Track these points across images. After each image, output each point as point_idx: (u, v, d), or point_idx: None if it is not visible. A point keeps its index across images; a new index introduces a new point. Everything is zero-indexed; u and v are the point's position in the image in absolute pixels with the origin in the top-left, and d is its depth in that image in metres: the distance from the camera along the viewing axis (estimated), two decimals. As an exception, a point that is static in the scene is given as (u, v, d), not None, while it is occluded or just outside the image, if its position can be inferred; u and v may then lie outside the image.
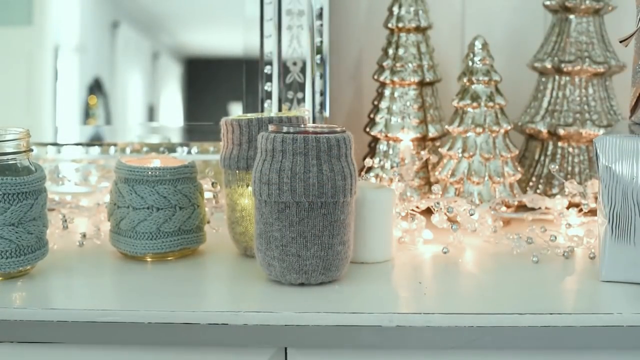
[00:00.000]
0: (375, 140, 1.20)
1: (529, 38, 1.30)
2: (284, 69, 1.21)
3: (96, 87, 1.26)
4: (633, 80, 0.95)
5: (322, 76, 1.21)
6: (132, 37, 1.28)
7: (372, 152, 1.20)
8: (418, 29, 1.18)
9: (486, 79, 1.10)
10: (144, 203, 0.93)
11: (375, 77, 1.20)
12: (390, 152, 1.17)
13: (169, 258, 0.95)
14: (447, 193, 1.11)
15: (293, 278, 0.84)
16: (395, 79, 1.17)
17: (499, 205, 1.09)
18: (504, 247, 1.02)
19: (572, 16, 1.18)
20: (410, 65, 1.17)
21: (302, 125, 0.91)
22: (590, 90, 1.18)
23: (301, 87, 1.22)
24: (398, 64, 1.17)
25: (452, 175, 1.11)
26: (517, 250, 0.99)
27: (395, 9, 1.18)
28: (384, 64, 1.18)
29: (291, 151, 0.82)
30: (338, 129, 0.85)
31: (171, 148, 1.23)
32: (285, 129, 0.84)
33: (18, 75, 1.26)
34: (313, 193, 0.82)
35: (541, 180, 1.19)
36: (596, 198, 1.00)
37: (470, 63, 1.12)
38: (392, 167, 1.13)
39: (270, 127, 0.85)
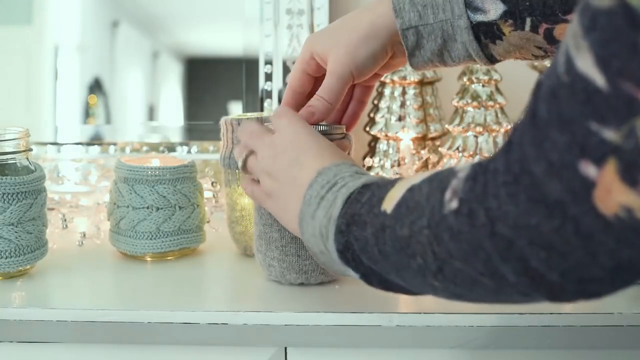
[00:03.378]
0: (375, 139, 1.20)
1: (529, 37, 1.30)
2: (284, 68, 1.21)
3: (96, 87, 1.26)
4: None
5: (322, 75, 1.21)
6: (132, 36, 1.28)
7: (372, 151, 1.20)
8: (418, 28, 1.18)
9: (486, 78, 1.10)
10: (143, 202, 0.93)
11: (375, 76, 1.19)
12: (390, 151, 1.17)
13: (169, 257, 0.95)
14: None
15: (293, 278, 0.83)
16: (395, 77, 1.17)
17: (499, 204, 1.09)
18: (504, 246, 1.01)
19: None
20: (410, 64, 1.17)
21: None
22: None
23: (301, 86, 1.21)
24: (398, 63, 1.17)
25: (452, 174, 1.11)
26: (517, 250, 0.99)
27: (395, 8, 1.18)
28: (384, 63, 1.18)
29: None
30: (338, 129, 0.83)
31: (171, 147, 1.23)
32: None
33: (18, 74, 1.26)
34: (312, 193, 0.81)
35: (541, 180, 1.19)
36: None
37: (470, 62, 1.12)
38: (392, 166, 1.13)
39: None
